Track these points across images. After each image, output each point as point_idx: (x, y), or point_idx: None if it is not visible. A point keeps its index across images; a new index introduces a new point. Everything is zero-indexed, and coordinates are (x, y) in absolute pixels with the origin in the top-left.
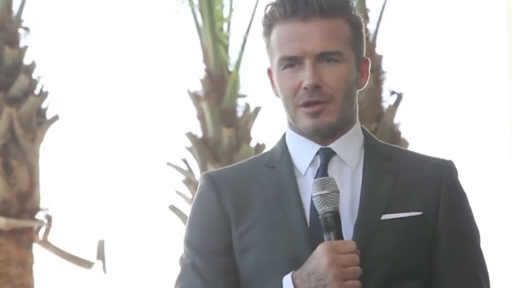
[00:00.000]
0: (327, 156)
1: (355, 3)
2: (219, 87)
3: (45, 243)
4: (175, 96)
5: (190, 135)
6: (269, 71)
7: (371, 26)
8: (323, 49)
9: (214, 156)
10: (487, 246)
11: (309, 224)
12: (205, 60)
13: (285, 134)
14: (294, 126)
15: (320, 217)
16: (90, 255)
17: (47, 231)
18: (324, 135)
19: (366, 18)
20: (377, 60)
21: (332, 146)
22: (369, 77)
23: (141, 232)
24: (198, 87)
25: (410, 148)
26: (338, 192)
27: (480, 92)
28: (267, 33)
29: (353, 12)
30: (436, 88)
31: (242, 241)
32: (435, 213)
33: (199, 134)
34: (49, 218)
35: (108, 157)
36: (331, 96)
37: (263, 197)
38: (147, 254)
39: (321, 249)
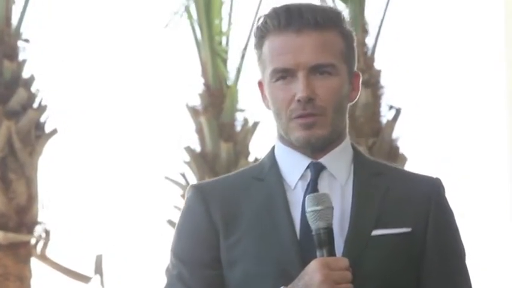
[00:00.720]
0: (317, 170)
1: (346, 17)
2: (217, 101)
3: (43, 257)
4: (174, 110)
5: (189, 150)
6: (260, 83)
7: (370, 40)
8: (317, 61)
9: (212, 170)
10: (487, 249)
11: (298, 238)
12: (204, 74)
13: (273, 147)
14: (284, 139)
15: (313, 233)
16: (88, 270)
17: (45, 245)
18: (315, 148)
19: (365, 32)
20: (375, 74)
21: (322, 160)
22: (360, 91)
23: (139, 247)
24: (196, 102)
25: (408, 163)
26: (332, 208)
27: (479, 107)
28: (259, 45)
29: (345, 25)
30: (434, 103)
31: (231, 253)
32: (424, 231)
33: (198, 148)
34: (47, 232)
35: (106, 171)
36: (323, 109)
37: (252, 209)
38: (145, 269)
39: (314, 265)
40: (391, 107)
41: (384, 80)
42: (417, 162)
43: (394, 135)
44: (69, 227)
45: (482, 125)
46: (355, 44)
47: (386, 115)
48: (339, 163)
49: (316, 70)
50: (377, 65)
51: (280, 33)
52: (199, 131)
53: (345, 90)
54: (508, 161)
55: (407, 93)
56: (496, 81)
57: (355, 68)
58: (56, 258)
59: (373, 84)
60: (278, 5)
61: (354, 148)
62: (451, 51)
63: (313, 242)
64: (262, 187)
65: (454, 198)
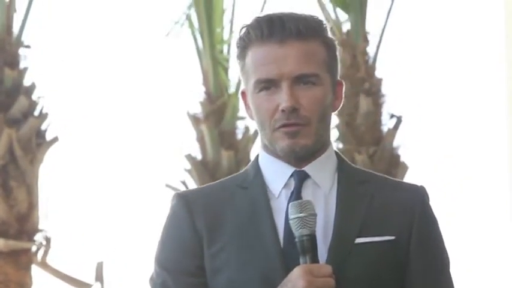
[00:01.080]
0: (301, 179)
1: (328, 26)
2: (218, 109)
3: (43, 264)
4: (175, 118)
5: (190, 158)
6: (243, 93)
7: (371, 49)
8: (300, 71)
9: (213, 178)
10: (487, 249)
11: (282, 245)
12: (205, 82)
13: (257, 156)
14: (268, 148)
15: (297, 240)
16: (89, 277)
17: (46, 252)
18: (299, 157)
19: (366, 41)
20: (377, 83)
21: (306, 168)
22: (343, 100)
23: (140, 254)
24: (197, 110)
25: (410, 172)
26: (315, 215)
27: (480, 115)
28: (242, 55)
29: (327, 34)
30: (436, 111)
31: (214, 261)
32: (407, 240)
33: (199, 156)
34: (48, 239)
35: (107, 178)
36: (308, 119)
37: (236, 217)
38: (145, 277)
39: (297, 271)
40: (392, 116)
41: (385, 89)
42: (418, 170)
43: (395, 143)
44: (70, 235)
45: (484, 131)
46: (338, 53)
47: (387, 123)
48: (322, 171)
49: (299, 80)
50: (378, 73)
51: (263, 44)
52: (200, 139)
53: (329, 100)
54: (508, 165)
55: (409, 102)
56: (497, 88)
57: (338, 77)
58: (56, 265)
59: (374, 93)
60: (261, 15)
61: (338, 156)
62: (452, 59)
63: (296, 250)
64: (246, 195)
65: (454, 201)
